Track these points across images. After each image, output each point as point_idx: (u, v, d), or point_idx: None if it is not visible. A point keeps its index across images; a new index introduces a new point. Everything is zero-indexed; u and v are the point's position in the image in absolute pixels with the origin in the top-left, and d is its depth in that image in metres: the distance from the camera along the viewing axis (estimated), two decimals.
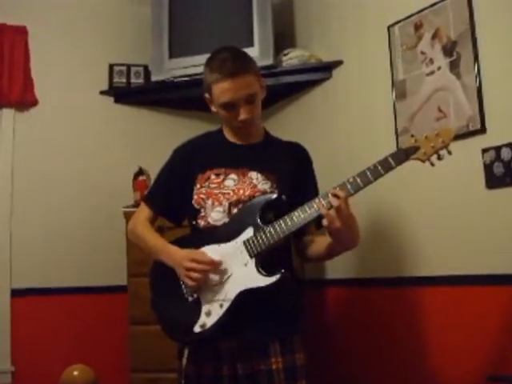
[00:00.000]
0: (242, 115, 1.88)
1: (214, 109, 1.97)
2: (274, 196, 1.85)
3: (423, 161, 1.73)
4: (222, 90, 1.85)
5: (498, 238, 2.27)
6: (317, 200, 1.76)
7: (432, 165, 1.73)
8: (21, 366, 3.05)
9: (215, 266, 1.81)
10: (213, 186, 1.93)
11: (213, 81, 1.87)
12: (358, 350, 2.86)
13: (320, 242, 1.92)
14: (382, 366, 2.73)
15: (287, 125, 3.34)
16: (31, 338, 3.09)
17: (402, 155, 1.73)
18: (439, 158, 1.72)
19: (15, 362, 3.05)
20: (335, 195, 1.70)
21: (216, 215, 1.90)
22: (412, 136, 1.75)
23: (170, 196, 2.03)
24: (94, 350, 3.12)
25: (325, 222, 1.70)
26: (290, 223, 1.77)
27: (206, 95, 1.96)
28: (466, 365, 2.34)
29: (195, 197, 1.95)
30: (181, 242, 1.92)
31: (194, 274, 1.80)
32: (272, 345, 1.84)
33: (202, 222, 1.93)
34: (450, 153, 1.72)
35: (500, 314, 2.26)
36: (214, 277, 1.82)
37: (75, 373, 2.34)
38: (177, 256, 1.87)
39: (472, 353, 2.33)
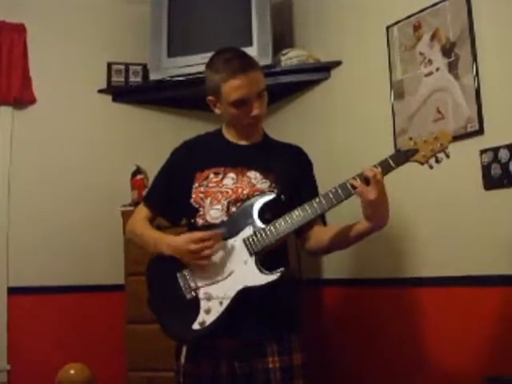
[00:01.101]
0: (256, 110, 1.88)
1: (218, 110, 1.96)
2: (273, 195, 1.85)
3: (422, 163, 1.74)
4: (234, 87, 1.85)
5: (496, 239, 2.28)
6: (317, 199, 1.77)
7: (430, 167, 1.74)
8: (17, 364, 3.04)
9: (217, 238, 1.79)
10: (211, 184, 1.93)
11: (221, 80, 1.86)
12: (355, 350, 2.87)
13: (331, 230, 1.89)
14: (379, 367, 2.73)
15: (285, 125, 3.34)
16: (28, 337, 3.09)
17: (402, 157, 1.74)
18: (437, 161, 1.74)
19: (11, 360, 3.05)
20: (370, 170, 1.70)
21: (214, 213, 1.90)
22: (410, 139, 1.76)
23: (168, 196, 2.02)
24: (91, 349, 3.12)
25: (357, 190, 1.70)
26: (290, 222, 1.78)
27: (210, 97, 1.95)
28: (464, 366, 2.35)
29: (194, 196, 1.94)
30: None
31: (204, 253, 1.78)
32: (269, 344, 1.84)
33: (200, 221, 1.92)
34: (447, 156, 1.73)
35: (498, 314, 2.26)
36: (214, 274, 1.82)
37: (72, 371, 2.34)
38: (178, 243, 1.84)
39: (470, 354, 2.33)
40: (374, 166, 1.73)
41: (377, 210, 1.73)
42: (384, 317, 2.73)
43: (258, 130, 2.01)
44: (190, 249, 1.80)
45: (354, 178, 1.74)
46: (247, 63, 1.87)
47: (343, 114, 3.04)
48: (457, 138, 2.30)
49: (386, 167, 1.72)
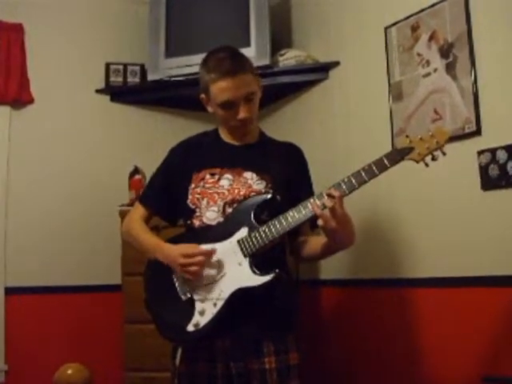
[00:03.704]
0: (242, 114, 1.87)
1: (210, 109, 1.97)
2: (269, 196, 1.85)
3: (417, 161, 1.73)
4: (220, 88, 1.85)
5: (493, 239, 2.28)
6: (311, 200, 1.76)
7: (426, 165, 1.74)
8: (14, 364, 3.04)
9: (209, 255, 1.81)
10: (208, 185, 1.93)
11: (211, 80, 1.86)
12: (351, 351, 2.86)
13: (315, 242, 1.92)
14: (376, 367, 2.73)
15: (283, 125, 3.34)
16: (25, 337, 3.08)
17: (397, 155, 1.73)
18: (433, 159, 1.73)
19: (9, 360, 3.04)
20: (330, 195, 1.70)
21: (211, 215, 1.90)
22: (407, 136, 1.75)
23: (164, 195, 2.02)
24: (88, 349, 3.12)
25: (320, 222, 1.71)
26: (284, 223, 1.77)
27: (203, 95, 1.95)
28: (461, 366, 2.35)
29: (190, 197, 1.94)
30: (175, 241, 1.91)
31: (191, 268, 1.80)
32: (266, 344, 1.83)
33: (196, 222, 1.92)
34: (444, 153, 1.73)
35: (495, 315, 2.26)
36: (208, 275, 1.82)
37: (69, 371, 2.33)
38: (170, 253, 1.86)
39: (468, 354, 2.33)
40: (334, 187, 1.71)
41: (337, 237, 1.75)
42: (381, 317, 2.73)
43: (249, 131, 1.99)
44: (179, 262, 1.81)
45: (316, 200, 1.73)
46: (237, 65, 1.85)
47: (341, 115, 3.04)
48: (454, 138, 2.30)
49: (381, 166, 1.71)
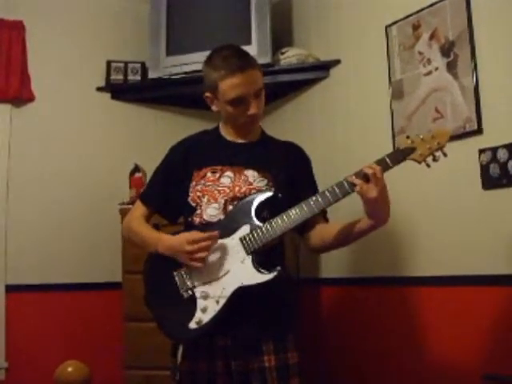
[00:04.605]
0: (253, 109, 1.87)
1: (215, 108, 1.96)
2: (270, 194, 1.85)
3: (419, 162, 1.74)
4: (231, 85, 1.84)
5: (494, 238, 2.28)
6: (314, 198, 1.76)
7: (428, 166, 1.74)
8: (15, 362, 3.04)
9: (213, 239, 1.79)
10: (208, 183, 1.92)
11: (219, 77, 1.85)
12: (352, 349, 2.87)
13: (333, 226, 1.89)
14: (376, 366, 2.74)
15: (284, 123, 3.34)
16: (25, 335, 3.08)
17: (399, 156, 1.73)
18: (434, 160, 1.73)
19: (9, 358, 3.04)
20: (369, 167, 1.69)
21: (211, 212, 1.90)
22: (408, 137, 1.75)
23: (165, 194, 2.02)
24: (88, 347, 3.12)
25: (357, 188, 1.68)
26: (287, 221, 1.77)
27: (208, 94, 1.94)
28: (462, 364, 2.35)
29: (191, 194, 1.94)
30: None
31: (199, 255, 1.78)
32: (265, 343, 1.84)
33: (197, 219, 1.92)
34: (445, 155, 1.73)
35: (495, 313, 2.27)
36: (210, 273, 1.82)
37: (69, 369, 2.33)
38: (173, 243, 1.85)
39: (468, 352, 2.34)
40: (375, 164, 1.72)
41: (377, 208, 1.72)
42: (382, 315, 2.73)
43: (255, 128, 2.00)
44: (186, 250, 1.79)
45: (352, 176, 1.73)
46: (246, 61, 1.86)
47: (342, 113, 3.04)
48: (455, 137, 2.30)
49: (383, 166, 1.71)
